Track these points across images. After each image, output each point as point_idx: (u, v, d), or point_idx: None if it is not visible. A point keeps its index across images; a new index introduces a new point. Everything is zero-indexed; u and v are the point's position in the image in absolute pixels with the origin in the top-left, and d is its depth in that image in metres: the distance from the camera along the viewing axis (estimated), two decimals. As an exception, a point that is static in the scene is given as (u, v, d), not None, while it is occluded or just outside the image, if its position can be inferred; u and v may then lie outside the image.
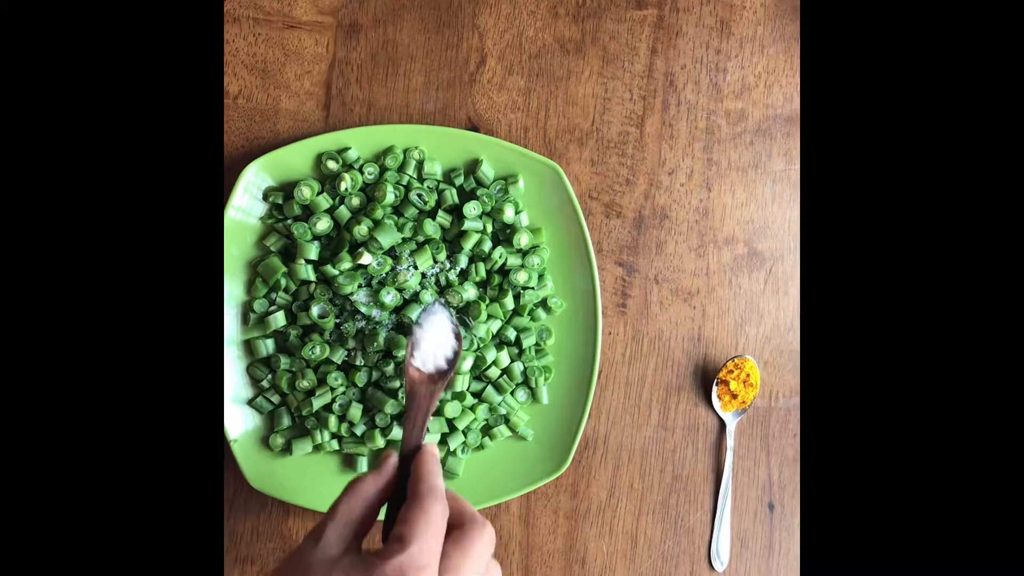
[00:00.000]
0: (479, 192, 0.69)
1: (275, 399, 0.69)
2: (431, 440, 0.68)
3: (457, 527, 0.49)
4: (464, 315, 0.68)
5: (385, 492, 0.51)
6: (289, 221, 0.68)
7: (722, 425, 0.74)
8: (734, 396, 0.73)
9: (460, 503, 0.51)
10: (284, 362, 0.67)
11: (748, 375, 0.72)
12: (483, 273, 0.69)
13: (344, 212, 0.68)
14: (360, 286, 0.67)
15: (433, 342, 0.61)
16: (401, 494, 0.52)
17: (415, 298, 0.68)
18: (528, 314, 0.70)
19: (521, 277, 0.69)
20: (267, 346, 0.68)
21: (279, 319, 0.67)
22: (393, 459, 0.52)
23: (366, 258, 0.66)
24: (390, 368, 0.67)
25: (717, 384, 0.73)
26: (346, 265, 0.67)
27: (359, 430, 0.68)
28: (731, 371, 0.72)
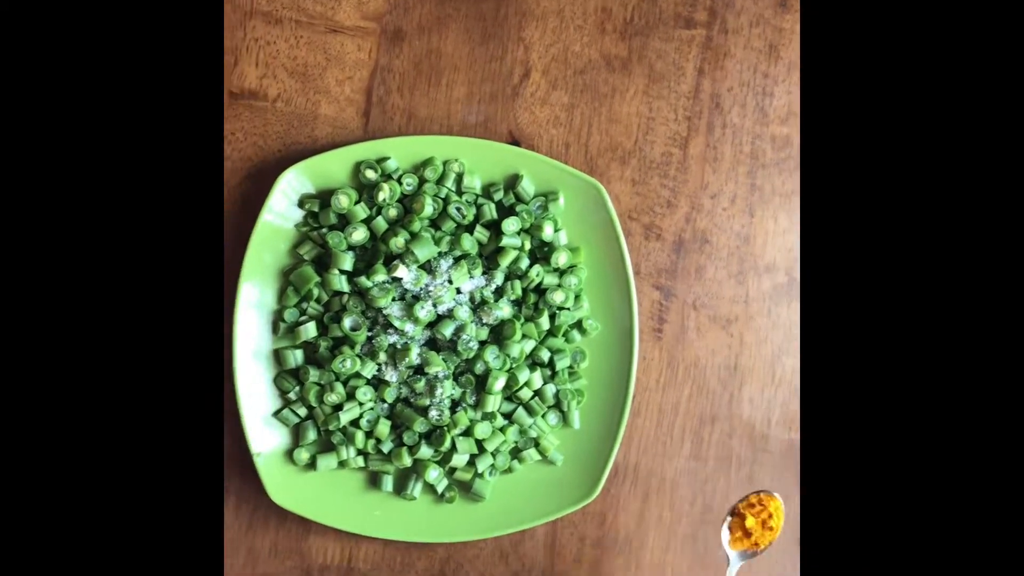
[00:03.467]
0: (518, 208, 0.67)
1: (302, 412, 0.67)
2: (460, 460, 0.66)
3: None
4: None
5: None
6: (324, 230, 0.66)
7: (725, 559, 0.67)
8: (748, 534, 0.64)
9: None
10: (313, 374, 0.65)
11: (771, 515, 0.64)
12: (519, 291, 0.67)
13: (381, 223, 0.66)
14: (394, 299, 0.65)
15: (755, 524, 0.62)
16: None
17: (449, 314, 0.66)
18: (563, 335, 0.68)
19: (558, 297, 0.67)
20: (296, 357, 0.66)
21: (310, 330, 0.65)
22: None
23: (401, 271, 0.65)
24: (420, 384, 0.65)
25: (732, 516, 0.65)
26: (380, 277, 0.65)
27: (386, 447, 0.67)
28: (752, 505, 0.65)
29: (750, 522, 0.64)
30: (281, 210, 0.66)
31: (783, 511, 0.65)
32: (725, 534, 0.65)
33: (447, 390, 0.65)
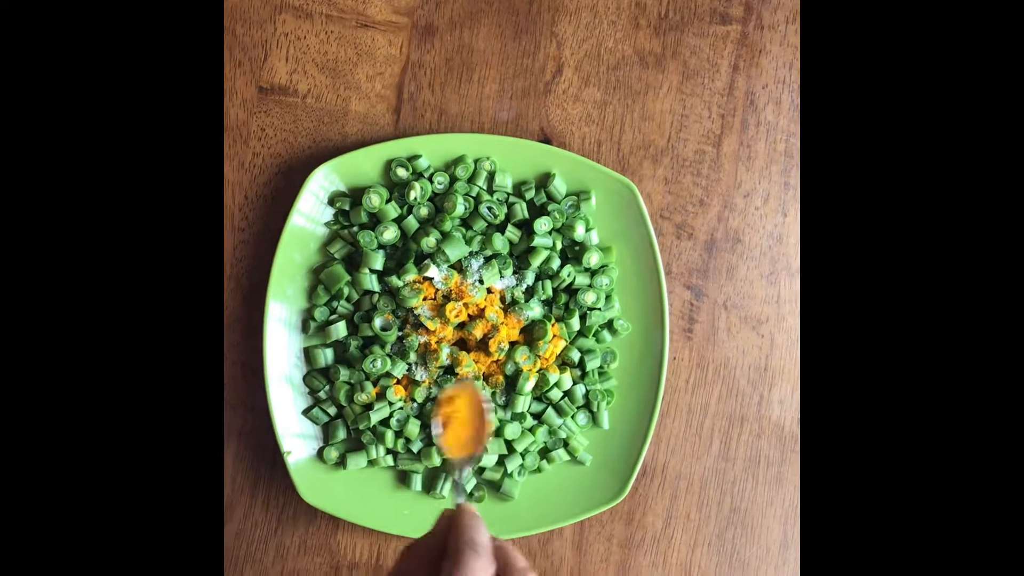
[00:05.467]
0: (550, 207, 0.66)
1: (331, 411, 0.67)
2: (489, 460, 0.66)
3: None
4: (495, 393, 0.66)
5: (440, 552, 0.49)
6: (355, 228, 0.66)
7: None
8: (455, 437, 0.58)
9: (507, 554, 0.49)
10: (343, 374, 0.65)
11: (472, 410, 0.57)
12: (550, 291, 0.67)
13: (412, 222, 0.65)
14: (425, 299, 0.65)
15: (463, 422, 0.58)
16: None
17: (480, 314, 0.65)
18: (593, 335, 0.68)
19: (589, 298, 0.66)
20: (326, 356, 0.66)
21: (340, 329, 0.65)
22: (445, 518, 0.50)
23: (432, 271, 0.64)
24: (451, 385, 0.65)
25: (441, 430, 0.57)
26: (411, 277, 0.64)
27: (415, 447, 0.66)
28: (444, 406, 0.58)
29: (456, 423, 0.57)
30: (311, 208, 0.66)
31: (476, 394, 0.58)
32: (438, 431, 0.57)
33: (477, 390, 0.65)
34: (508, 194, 0.67)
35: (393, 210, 0.65)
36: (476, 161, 0.66)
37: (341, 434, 0.66)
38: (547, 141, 0.69)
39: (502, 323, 0.65)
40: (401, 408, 0.66)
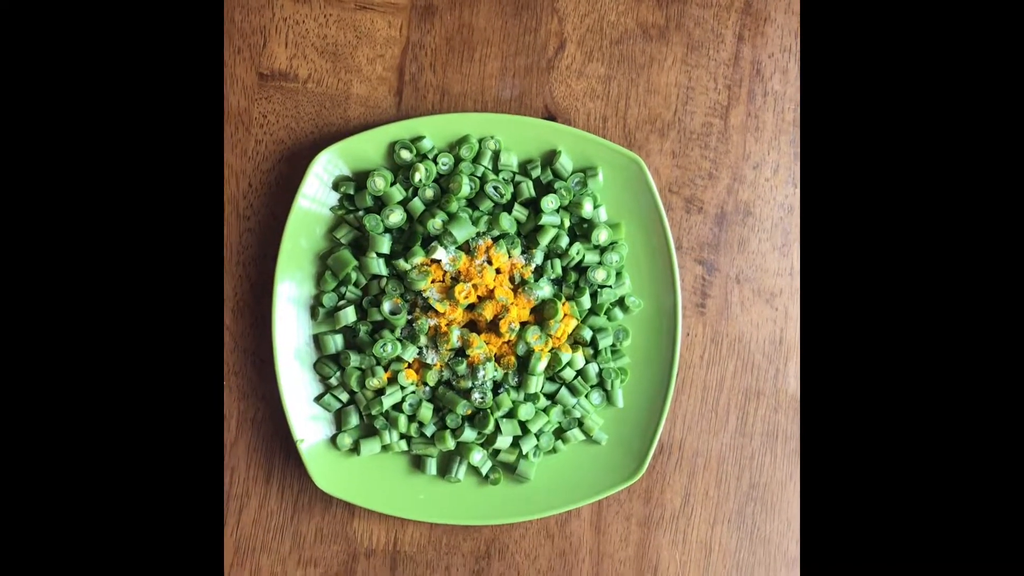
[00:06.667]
0: (557, 185, 0.65)
1: (343, 397, 0.66)
2: (503, 441, 0.66)
3: None
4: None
5: None
6: (361, 212, 0.65)
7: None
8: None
9: None
10: (353, 359, 0.65)
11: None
12: (559, 270, 0.66)
13: (418, 204, 0.65)
14: (433, 282, 0.64)
15: None
16: None
17: (490, 295, 0.65)
18: (605, 313, 0.67)
19: (599, 275, 0.65)
20: (336, 342, 0.66)
21: (349, 315, 0.65)
22: None
23: (440, 253, 0.64)
24: (462, 367, 0.64)
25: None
26: (418, 259, 0.64)
27: (429, 431, 0.66)
28: None
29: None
30: (316, 193, 0.65)
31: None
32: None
33: (489, 372, 0.64)
34: (514, 173, 0.66)
35: (398, 193, 0.64)
36: (480, 141, 0.66)
37: (354, 420, 0.66)
38: (551, 118, 0.68)
39: (512, 303, 0.64)
40: (413, 392, 0.65)
